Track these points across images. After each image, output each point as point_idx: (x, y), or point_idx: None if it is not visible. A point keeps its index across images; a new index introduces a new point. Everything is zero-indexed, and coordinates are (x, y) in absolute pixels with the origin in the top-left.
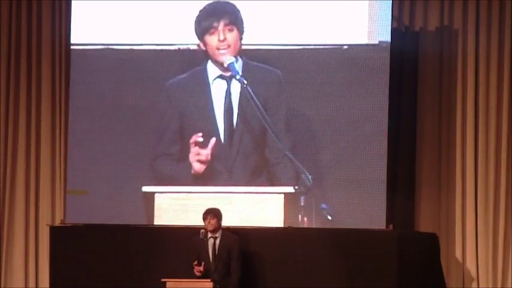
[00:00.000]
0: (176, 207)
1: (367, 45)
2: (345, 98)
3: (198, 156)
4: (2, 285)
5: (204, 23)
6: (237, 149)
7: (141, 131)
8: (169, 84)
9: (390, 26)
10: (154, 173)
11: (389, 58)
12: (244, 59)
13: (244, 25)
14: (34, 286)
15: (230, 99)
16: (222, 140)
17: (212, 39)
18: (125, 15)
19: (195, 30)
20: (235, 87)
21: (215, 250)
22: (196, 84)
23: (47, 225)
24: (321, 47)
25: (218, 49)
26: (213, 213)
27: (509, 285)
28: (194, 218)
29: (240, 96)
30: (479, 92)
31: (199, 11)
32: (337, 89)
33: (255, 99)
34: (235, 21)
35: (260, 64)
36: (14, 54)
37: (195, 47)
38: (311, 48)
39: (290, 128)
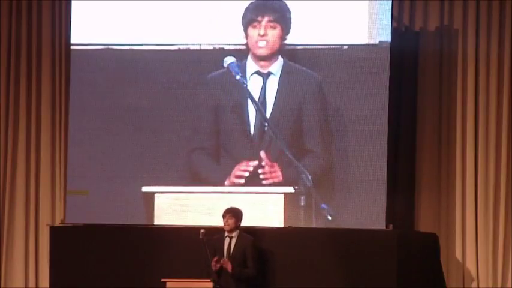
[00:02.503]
0: (176, 207)
1: (367, 45)
2: (345, 98)
3: (241, 172)
4: (2, 285)
5: (250, 16)
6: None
7: (142, 131)
8: (209, 78)
9: (390, 26)
10: (190, 168)
11: (389, 58)
12: (285, 59)
13: (291, 25)
14: (34, 286)
15: (265, 96)
16: (252, 139)
17: (253, 33)
18: (125, 15)
19: (242, 22)
20: (272, 84)
21: (230, 250)
22: (234, 79)
23: (47, 225)
24: (321, 47)
25: (257, 42)
26: (232, 213)
27: (509, 285)
28: (194, 218)
29: (275, 94)
30: (479, 91)
31: (250, 4)
32: (337, 89)
33: (255, 99)
34: (280, 19)
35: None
36: (14, 54)
37: (196, 47)
38: (311, 48)
39: (290, 128)
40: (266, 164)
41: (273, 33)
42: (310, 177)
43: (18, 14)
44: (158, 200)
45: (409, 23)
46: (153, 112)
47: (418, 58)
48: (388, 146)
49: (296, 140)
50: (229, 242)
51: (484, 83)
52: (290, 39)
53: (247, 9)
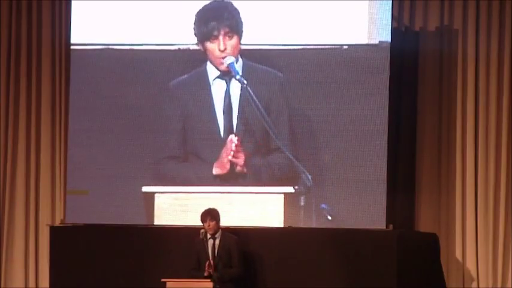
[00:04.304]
0: (176, 207)
1: (367, 45)
2: (345, 98)
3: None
4: (2, 285)
5: (204, 29)
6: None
7: (142, 131)
8: (172, 85)
9: (390, 26)
10: (159, 175)
11: (389, 58)
12: (244, 59)
13: (243, 27)
14: (34, 286)
15: (230, 99)
16: (223, 141)
17: (213, 47)
18: (125, 15)
19: (194, 31)
20: (235, 87)
21: (215, 250)
22: (197, 85)
23: (47, 225)
24: (321, 47)
25: (219, 58)
26: (211, 216)
27: (509, 285)
28: (194, 218)
29: (240, 97)
30: (479, 92)
31: (197, 14)
32: (337, 89)
33: (255, 99)
34: (235, 26)
35: (260, 65)
36: (14, 54)
37: (196, 47)
38: (311, 48)
39: (290, 128)
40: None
41: (232, 44)
42: (310, 177)
43: (18, 14)
44: (158, 200)
45: (409, 23)
46: (153, 112)
47: (418, 58)
48: (388, 146)
49: (294, 140)
50: (213, 243)
51: (484, 83)
52: (291, 40)
53: (198, 21)
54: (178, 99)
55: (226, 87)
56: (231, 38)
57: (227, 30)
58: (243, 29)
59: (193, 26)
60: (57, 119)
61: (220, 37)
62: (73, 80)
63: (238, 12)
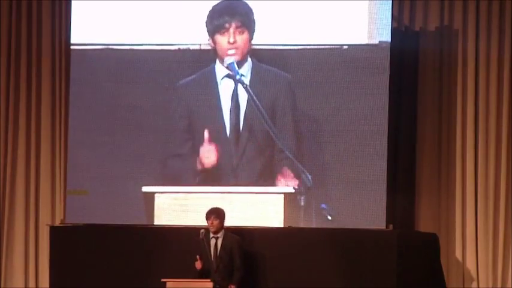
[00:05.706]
0: (176, 207)
1: (367, 45)
2: (345, 98)
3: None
4: (2, 285)
5: (216, 22)
6: (243, 149)
7: (142, 131)
8: (180, 84)
9: (390, 26)
10: (161, 174)
11: (389, 58)
12: (254, 60)
13: (256, 26)
14: (34, 286)
15: (237, 99)
16: (229, 140)
17: (222, 40)
18: (125, 15)
19: (207, 26)
20: (242, 87)
21: (217, 250)
22: (205, 84)
23: (47, 225)
24: (321, 47)
25: (227, 50)
26: (216, 214)
27: (509, 285)
28: (194, 218)
29: (247, 96)
30: (479, 92)
31: (213, 7)
32: (337, 89)
33: (255, 99)
34: (247, 23)
35: (267, 66)
36: (14, 54)
37: (196, 47)
38: (311, 48)
39: (292, 129)
40: None
41: (242, 38)
42: (310, 177)
43: (18, 14)
44: (158, 200)
45: (409, 23)
46: (153, 112)
47: (418, 58)
48: (388, 146)
49: (294, 140)
50: (215, 243)
51: (484, 83)
52: (291, 40)
53: (211, 15)
54: (180, 99)
55: (234, 86)
56: (241, 33)
57: (239, 24)
58: (255, 29)
59: (205, 21)
60: (57, 119)
61: (231, 30)
62: (73, 80)
63: (251, 12)
